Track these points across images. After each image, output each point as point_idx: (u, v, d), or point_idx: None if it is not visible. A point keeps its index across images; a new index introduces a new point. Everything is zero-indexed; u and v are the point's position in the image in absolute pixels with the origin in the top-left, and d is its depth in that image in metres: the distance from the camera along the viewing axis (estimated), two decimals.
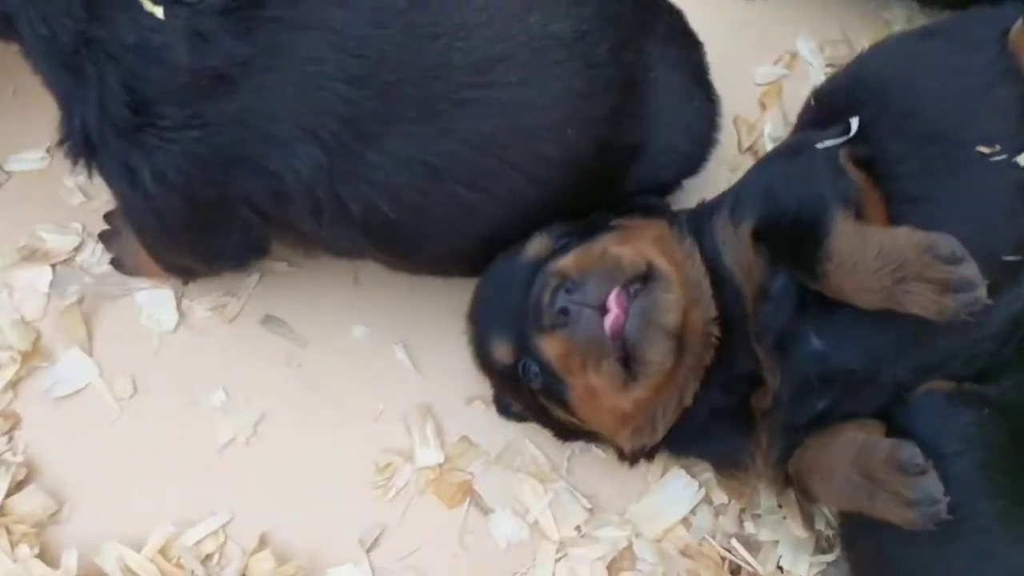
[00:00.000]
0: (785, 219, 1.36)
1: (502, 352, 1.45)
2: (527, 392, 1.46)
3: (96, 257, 1.75)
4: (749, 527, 1.62)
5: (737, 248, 1.40)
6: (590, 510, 1.63)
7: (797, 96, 1.76)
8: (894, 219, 1.37)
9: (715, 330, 1.37)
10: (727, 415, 1.43)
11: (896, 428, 1.37)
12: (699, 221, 1.47)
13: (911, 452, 1.27)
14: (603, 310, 1.30)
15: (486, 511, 1.65)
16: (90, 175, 1.39)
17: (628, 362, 1.31)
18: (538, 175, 1.43)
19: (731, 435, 1.46)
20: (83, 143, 1.32)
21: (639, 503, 1.64)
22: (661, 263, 1.34)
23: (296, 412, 1.70)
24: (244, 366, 1.72)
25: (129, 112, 1.27)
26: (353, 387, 1.72)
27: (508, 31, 1.37)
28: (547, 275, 1.35)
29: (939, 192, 1.39)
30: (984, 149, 1.38)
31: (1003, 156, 1.38)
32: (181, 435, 1.68)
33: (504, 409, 1.63)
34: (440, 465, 1.66)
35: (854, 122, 1.46)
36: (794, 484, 1.43)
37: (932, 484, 1.25)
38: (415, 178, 1.35)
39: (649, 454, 1.51)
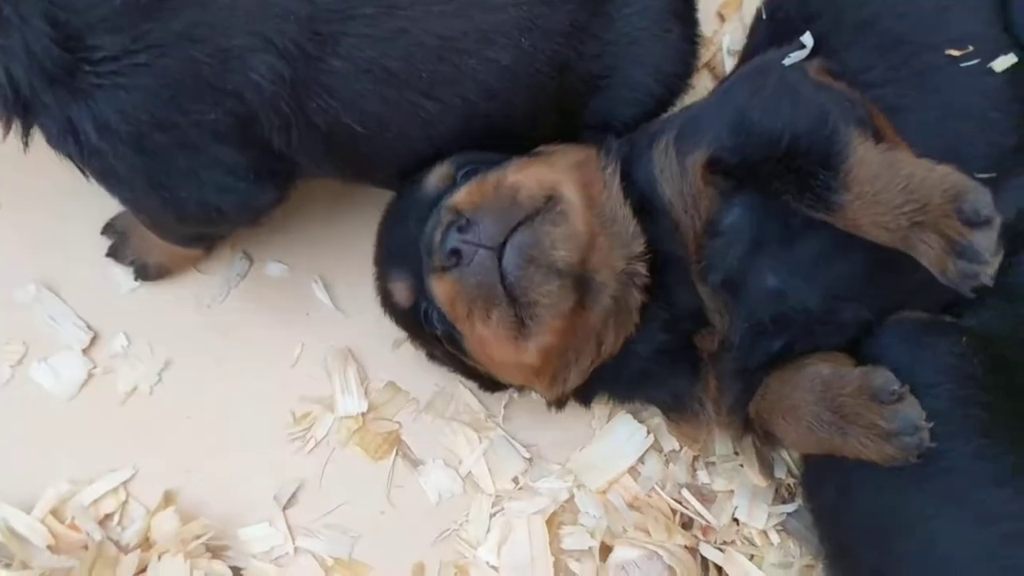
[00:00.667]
0: (776, 149, 1.17)
1: (400, 293, 1.31)
2: (432, 338, 1.32)
3: None
4: (702, 476, 1.49)
5: (680, 179, 1.24)
6: (529, 460, 1.51)
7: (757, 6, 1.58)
8: None
9: (641, 268, 1.22)
10: (671, 356, 1.29)
11: (864, 360, 1.23)
12: (632, 148, 1.32)
13: (884, 378, 1.14)
14: (499, 250, 1.15)
15: (415, 463, 1.52)
16: (27, 141, 1.19)
17: (515, 307, 1.16)
18: (492, 86, 1.29)
19: (678, 377, 1.31)
20: (14, 99, 1.13)
21: (582, 452, 1.51)
22: (567, 191, 1.19)
23: (204, 358, 1.56)
24: (147, 308, 1.57)
25: (58, 49, 1.10)
26: (267, 330, 1.57)
27: None
28: (441, 210, 1.19)
29: (906, 102, 1.26)
30: (954, 52, 1.25)
31: (975, 60, 1.24)
32: (77, 384, 1.53)
33: (432, 354, 1.47)
34: (364, 414, 1.52)
35: (807, 38, 1.32)
36: (755, 428, 1.29)
37: (912, 409, 1.12)
38: (376, 85, 1.24)
39: (583, 400, 1.38)
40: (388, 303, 1.37)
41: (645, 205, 1.25)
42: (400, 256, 1.31)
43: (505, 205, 1.16)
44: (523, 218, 1.14)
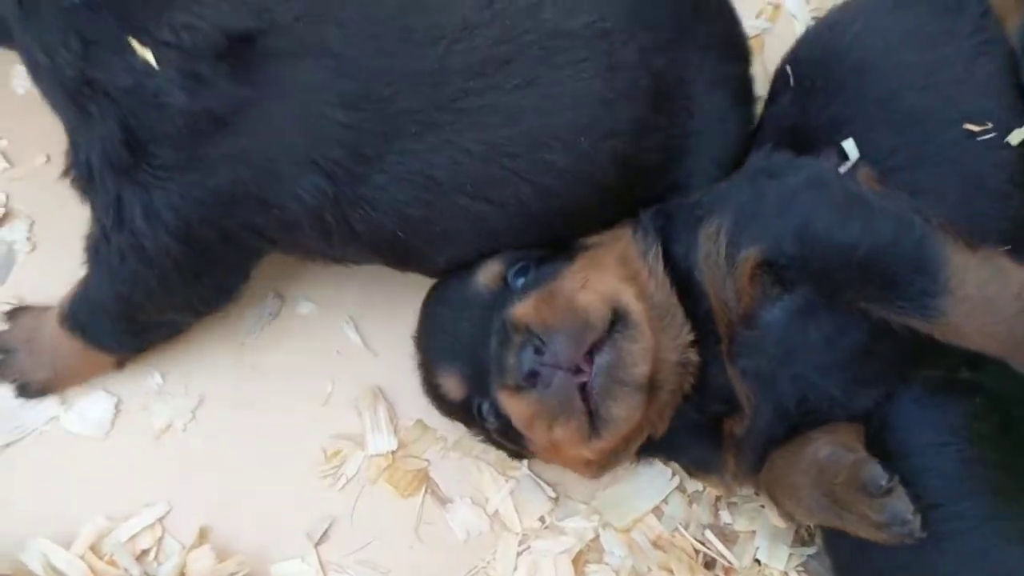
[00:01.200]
0: (851, 258, 1.15)
1: (453, 387, 1.34)
2: (480, 427, 1.37)
3: None
4: (724, 516, 1.51)
5: (724, 271, 1.24)
6: (555, 499, 1.53)
7: (780, 52, 1.59)
8: None
9: (692, 356, 1.25)
10: (699, 432, 1.33)
11: (876, 421, 1.26)
12: (668, 221, 1.33)
13: (872, 472, 1.14)
14: (574, 370, 1.17)
15: (443, 501, 1.54)
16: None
17: (593, 417, 1.19)
18: (547, 186, 1.29)
19: (701, 447, 1.35)
20: (86, 177, 1.26)
21: (607, 491, 1.53)
22: (629, 301, 1.21)
23: (237, 395, 1.58)
24: (181, 345, 1.59)
25: (126, 151, 1.22)
26: (299, 368, 1.60)
27: (515, 29, 1.25)
28: (509, 326, 1.21)
29: (927, 180, 1.28)
30: (972, 127, 1.26)
31: (992, 135, 1.26)
32: (114, 421, 1.55)
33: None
34: (393, 452, 1.54)
35: (850, 146, 1.32)
36: (766, 496, 1.33)
37: (900, 503, 1.13)
38: (420, 192, 1.27)
39: None
40: (435, 393, 1.40)
41: (682, 282, 1.27)
42: (450, 351, 1.34)
43: (577, 326, 1.18)
44: (596, 339, 1.17)
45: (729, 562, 1.48)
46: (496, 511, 1.52)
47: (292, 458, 1.55)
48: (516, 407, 1.21)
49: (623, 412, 1.18)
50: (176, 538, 1.49)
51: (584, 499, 1.54)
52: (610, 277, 1.26)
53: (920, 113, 1.30)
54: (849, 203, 1.19)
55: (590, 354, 1.17)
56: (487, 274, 1.33)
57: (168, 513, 1.51)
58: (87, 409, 1.56)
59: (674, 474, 1.52)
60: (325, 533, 1.50)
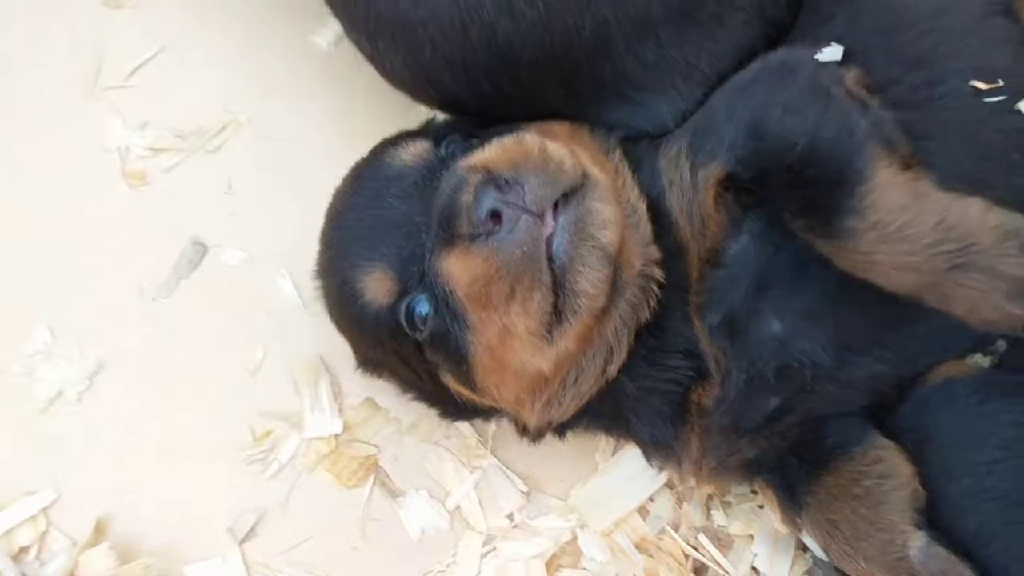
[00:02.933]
0: (789, 152, 1.01)
1: (378, 287, 1.06)
2: (409, 346, 1.10)
3: None
4: (718, 517, 1.33)
5: (691, 194, 1.07)
6: (526, 494, 1.33)
7: None
8: None
9: (657, 274, 1.06)
10: (658, 395, 1.13)
11: (909, 428, 1.10)
12: (633, 149, 1.15)
13: (942, 564, 1.00)
14: (542, 218, 0.96)
15: (395, 493, 1.33)
16: None
17: (556, 296, 0.98)
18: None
19: (660, 419, 1.15)
20: None
21: (586, 486, 1.33)
22: (597, 172, 1.02)
23: (145, 360, 1.35)
24: (74, 296, 1.35)
25: None
26: (222, 330, 1.37)
27: None
28: (462, 171, 0.98)
29: (927, 128, 1.11)
30: (980, 84, 1.11)
31: (1001, 97, 1.11)
32: None
33: (369, 361, 1.24)
34: (337, 435, 1.32)
35: (833, 49, 1.13)
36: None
37: None
38: None
39: (559, 430, 1.20)
40: (350, 307, 1.12)
41: (650, 214, 1.08)
42: (376, 240, 1.07)
43: (550, 168, 0.96)
44: (568, 190, 0.96)
45: (724, 569, 1.30)
46: (457, 506, 1.32)
47: (212, 438, 1.32)
48: (468, 267, 0.97)
49: (590, 284, 0.97)
50: (65, 533, 1.27)
51: (559, 495, 1.34)
52: (573, 147, 1.06)
53: (921, 56, 1.14)
54: (810, 93, 1.04)
55: (554, 209, 0.97)
56: (412, 149, 1.10)
57: (55, 502, 1.29)
58: None
59: (662, 463, 1.33)
60: (252, 529, 1.30)
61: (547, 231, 0.96)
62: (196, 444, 1.31)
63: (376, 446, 1.34)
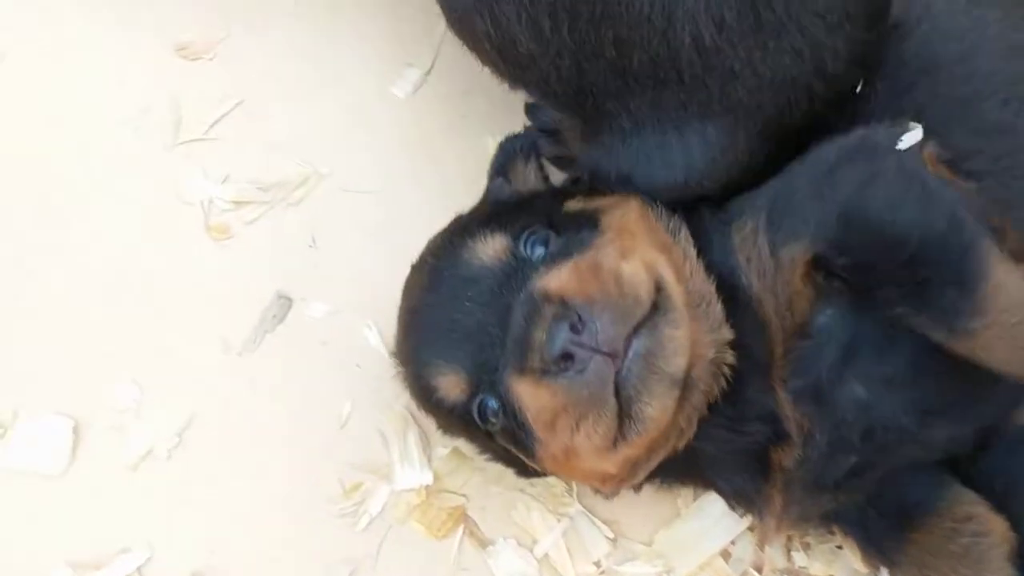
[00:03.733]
0: (900, 252, 0.99)
1: (452, 387, 1.08)
2: (481, 433, 1.12)
3: None
4: (799, 559, 1.35)
5: (774, 274, 1.06)
6: (612, 540, 1.33)
7: None
8: None
9: (729, 357, 1.06)
10: (736, 455, 1.14)
11: (997, 473, 1.12)
12: (694, 220, 1.14)
13: None
14: (612, 356, 0.95)
15: (484, 543, 1.32)
16: None
17: (622, 418, 0.98)
18: None
19: (742, 475, 1.16)
20: None
21: (669, 530, 1.34)
22: (668, 276, 1.01)
23: (233, 415, 1.32)
24: (160, 352, 1.32)
25: None
26: (309, 383, 1.34)
27: None
28: (538, 298, 0.98)
29: (1012, 195, 1.11)
30: None
31: None
32: (80, 445, 1.28)
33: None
34: (426, 486, 1.31)
35: (914, 126, 1.11)
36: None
37: None
38: None
39: (638, 486, 1.20)
40: (427, 397, 1.14)
41: (724, 291, 1.07)
42: (447, 342, 1.08)
43: (626, 303, 0.95)
44: (643, 317, 0.95)
45: None
46: (546, 554, 1.31)
47: (302, 492, 1.30)
48: (537, 398, 0.97)
49: (656, 411, 0.97)
50: None
51: (644, 540, 1.34)
52: (645, 245, 1.05)
53: (1001, 125, 1.14)
54: (904, 183, 1.03)
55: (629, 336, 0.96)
56: (491, 247, 1.09)
57: (148, 560, 1.25)
58: (34, 438, 1.27)
59: (744, 512, 1.35)
60: None
61: (617, 365, 0.95)
62: (285, 499, 1.29)
63: (464, 496, 1.33)
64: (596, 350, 0.93)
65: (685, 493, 1.35)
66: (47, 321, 1.34)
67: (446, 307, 1.08)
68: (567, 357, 0.94)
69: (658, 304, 0.97)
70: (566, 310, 0.95)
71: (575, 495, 1.34)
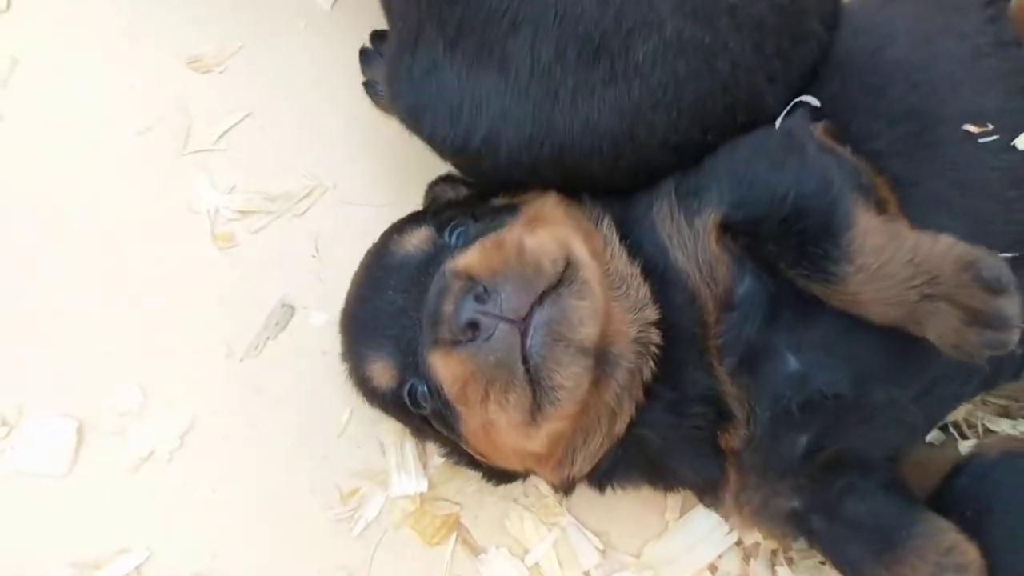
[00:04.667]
0: (779, 208, 1.07)
1: (381, 375, 1.12)
2: (419, 420, 1.15)
3: None
4: (783, 573, 1.38)
5: (694, 242, 1.11)
6: (601, 551, 1.35)
7: None
8: None
9: (655, 336, 1.09)
10: (690, 441, 1.16)
11: (968, 499, 1.15)
12: (623, 211, 1.18)
13: None
14: (521, 324, 0.98)
15: (476, 551, 1.34)
16: None
17: (535, 391, 1.00)
18: None
19: (698, 465, 1.18)
20: None
21: (658, 543, 1.36)
22: (581, 252, 1.04)
23: (234, 420, 1.34)
24: (164, 356, 1.34)
25: None
26: (310, 391, 1.36)
27: None
28: (447, 275, 1.01)
29: (917, 174, 1.16)
30: (972, 128, 1.15)
31: (995, 137, 1.15)
32: (83, 446, 1.30)
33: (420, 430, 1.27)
34: (421, 494, 1.33)
35: (808, 98, 1.20)
36: None
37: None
38: None
39: (597, 485, 1.22)
40: (365, 386, 1.18)
41: (652, 275, 1.11)
42: (376, 330, 1.12)
43: (527, 272, 0.99)
44: (546, 287, 0.99)
45: None
46: (536, 563, 1.34)
47: (300, 497, 1.32)
48: (448, 367, 1.00)
49: (566, 380, 0.99)
50: None
51: (633, 552, 1.36)
52: (559, 226, 1.09)
53: (911, 108, 1.19)
54: (786, 149, 1.12)
55: (533, 308, 1.00)
56: (415, 238, 1.14)
57: (147, 560, 1.27)
58: (38, 438, 1.29)
59: (732, 528, 1.38)
60: None
61: (523, 329, 0.98)
62: (284, 503, 1.31)
63: (459, 504, 1.35)
64: (501, 317, 0.97)
65: (672, 506, 1.38)
66: (53, 323, 1.36)
67: (373, 299, 1.13)
68: (473, 326, 0.97)
69: (565, 277, 1.00)
70: (472, 283, 0.98)
71: (565, 505, 1.36)
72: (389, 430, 1.34)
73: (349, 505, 1.32)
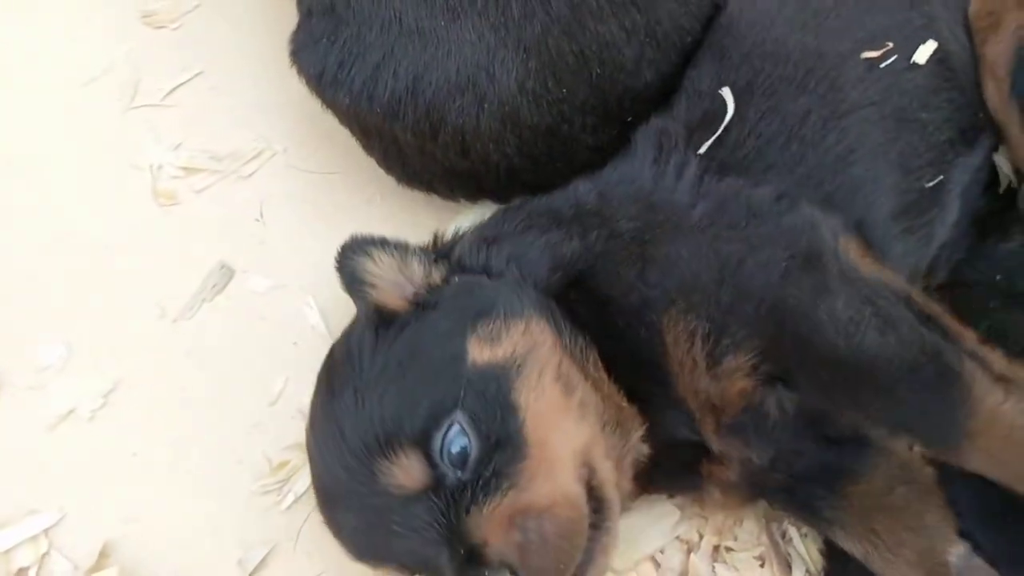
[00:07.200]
0: (871, 381, 0.97)
1: None
2: None
3: None
4: (722, 571, 1.34)
5: (708, 382, 1.01)
6: None
7: None
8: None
9: (644, 448, 1.04)
10: (672, 461, 1.11)
11: None
12: (593, 272, 1.06)
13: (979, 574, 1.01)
14: None
15: None
16: None
17: None
18: None
19: (678, 480, 1.15)
20: None
21: None
22: (609, 491, 0.97)
23: (163, 382, 1.27)
24: (93, 313, 1.27)
25: None
26: (243, 356, 1.29)
27: None
28: (472, 545, 0.91)
29: (848, 137, 1.13)
30: (872, 54, 1.13)
31: (894, 57, 1.13)
32: None
33: None
34: None
35: (726, 92, 1.14)
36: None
37: None
38: None
39: None
40: None
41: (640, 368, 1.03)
42: (381, 554, 0.99)
43: (562, 551, 0.91)
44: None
45: None
46: None
47: (227, 466, 1.24)
48: None
49: None
50: (67, 556, 1.16)
51: None
52: (573, 439, 0.98)
53: (815, 54, 1.16)
54: (856, 298, 0.99)
55: None
56: (408, 473, 0.93)
57: (58, 523, 1.18)
58: None
59: (679, 521, 1.33)
60: (263, 561, 1.20)
61: None
62: (210, 471, 1.23)
63: None
64: None
65: None
66: None
67: (374, 530, 0.98)
68: None
69: (596, 523, 0.94)
70: (505, 559, 0.90)
71: None
72: None
73: (278, 476, 1.24)
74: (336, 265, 1.04)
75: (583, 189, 1.14)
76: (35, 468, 1.20)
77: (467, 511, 0.92)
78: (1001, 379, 0.98)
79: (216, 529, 1.21)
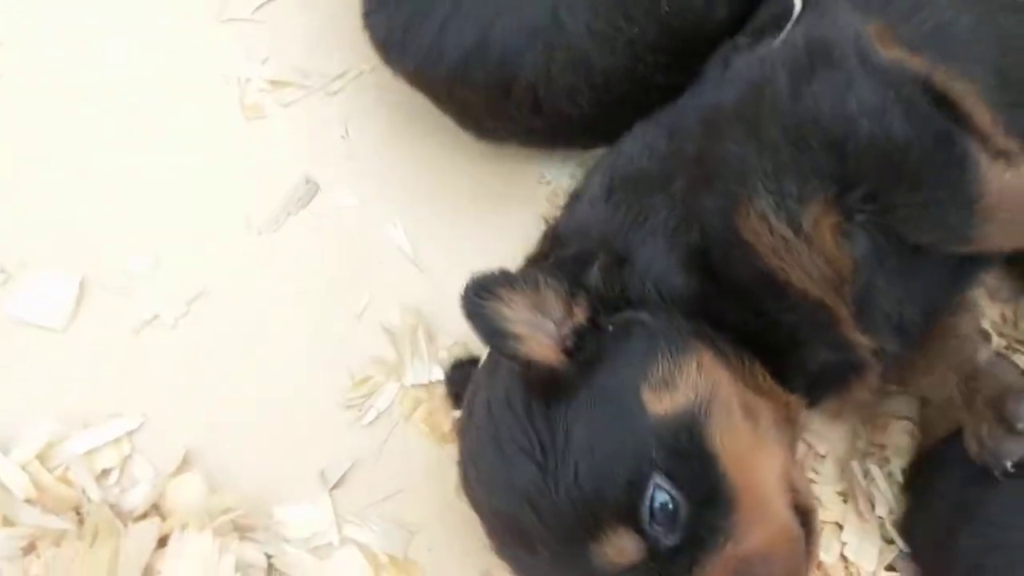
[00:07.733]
0: (903, 173, 0.93)
1: None
2: None
3: None
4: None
5: (808, 250, 0.94)
6: None
7: None
8: None
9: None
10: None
11: None
12: (706, 239, 0.98)
13: (1018, 410, 1.02)
14: None
15: None
16: None
17: None
18: None
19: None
20: None
21: None
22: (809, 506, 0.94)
23: (247, 293, 1.25)
24: (179, 223, 1.26)
25: None
26: (328, 272, 1.27)
27: None
28: None
29: None
30: None
31: None
32: (84, 301, 1.21)
33: None
34: (433, 383, 1.23)
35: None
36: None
37: (1016, 447, 1.02)
38: None
39: None
40: None
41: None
42: None
43: None
44: None
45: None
46: None
47: (310, 379, 1.22)
48: None
49: None
50: (150, 460, 1.15)
51: None
52: (777, 490, 0.93)
53: None
54: (878, 87, 0.94)
55: None
56: (620, 549, 0.87)
57: (140, 427, 1.16)
58: (38, 288, 1.20)
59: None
60: (344, 476, 1.18)
61: None
62: (292, 383, 1.21)
63: None
64: None
65: None
66: (71, 177, 1.28)
67: None
68: None
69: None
70: None
71: None
72: (406, 318, 1.25)
73: (361, 391, 1.22)
74: (466, 313, 0.89)
75: (651, 136, 1.08)
76: (119, 371, 1.18)
77: (689, 573, 0.87)
78: (1001, 153, 0.96)
79: (298, 441, 1.20)
